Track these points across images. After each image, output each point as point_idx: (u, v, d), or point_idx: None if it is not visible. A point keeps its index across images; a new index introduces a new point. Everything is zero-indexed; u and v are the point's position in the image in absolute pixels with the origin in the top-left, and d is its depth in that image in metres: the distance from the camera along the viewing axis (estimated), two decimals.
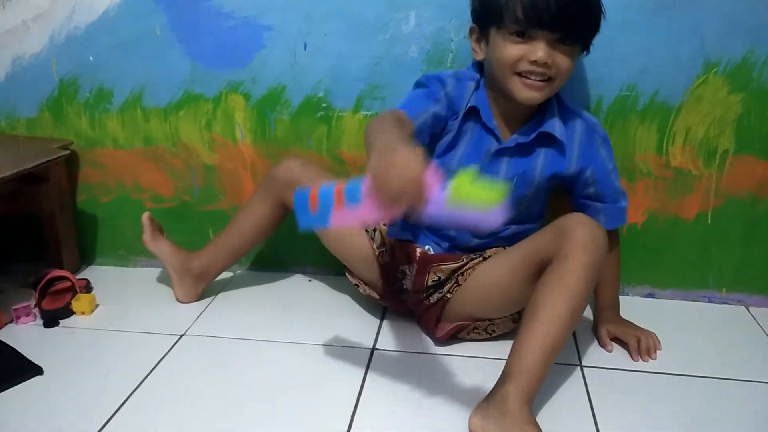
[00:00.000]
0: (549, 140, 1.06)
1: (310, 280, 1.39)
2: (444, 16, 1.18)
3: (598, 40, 1.05)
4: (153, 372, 1.04)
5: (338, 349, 1.11)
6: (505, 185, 0.77)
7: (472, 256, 1.10)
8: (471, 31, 1.06)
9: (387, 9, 1.20)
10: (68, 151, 1.31)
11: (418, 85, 1.09)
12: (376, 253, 1.14)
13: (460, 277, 1.09)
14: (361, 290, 1.20)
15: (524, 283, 1.00)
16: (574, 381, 1.03)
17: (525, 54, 0.97)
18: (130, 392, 0.99)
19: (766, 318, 1.24)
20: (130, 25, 1.28)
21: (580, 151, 1.07)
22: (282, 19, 1.24)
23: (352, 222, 0.97)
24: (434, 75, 1.08)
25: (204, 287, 1.28)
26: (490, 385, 0.92)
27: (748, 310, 1.27)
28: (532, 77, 0.98)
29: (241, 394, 0.99)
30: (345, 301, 1.29)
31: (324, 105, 1.28)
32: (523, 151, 1.06)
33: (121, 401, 0.97)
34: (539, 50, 0.96)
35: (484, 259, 1.09)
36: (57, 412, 0.95)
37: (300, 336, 1.15)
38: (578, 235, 0.92)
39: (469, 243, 1.10)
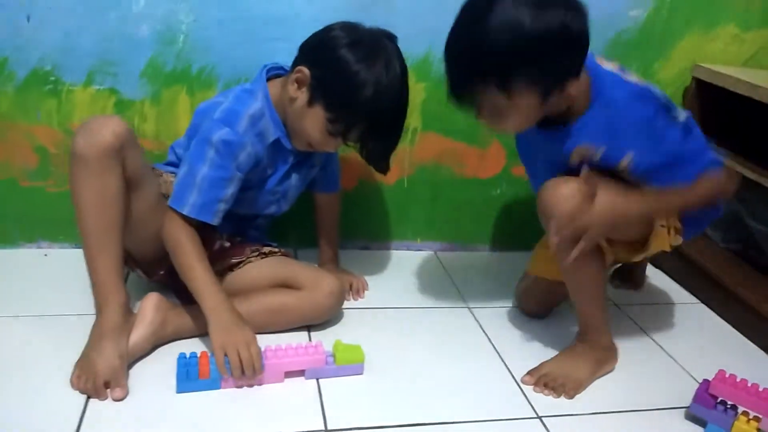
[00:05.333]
0: None
1: (45, 255, 1.38)
2: None
3: (299, 36, 1.23)
4: None
5: (73, 318, 1.15)
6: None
7: (254, 248, 1.24)
8: (298, 71, 1.08)
9: None
10: None
11: (211, 145, 1.06)
12: None
13: (236, 267, 1.21)
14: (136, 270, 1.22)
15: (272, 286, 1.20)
16: None
17: (325, 145, 1.14)
18: None
19: (448, 259, 1.58)
20: None
21: None
22: None
23: (245, 383, 1.03)
24: (229, 143, 1.06)
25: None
26: None
27: (435, 254, 1.61)
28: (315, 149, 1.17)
29: None
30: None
31: (52, 78, 1.28)
32: (309, 157, 1.24)
33: None
34: (334, 148, 1.16)
35: (263, 257, 1.23)
36: None
37: (35, 310, 1.17)
38: (325, 300, 1.19)
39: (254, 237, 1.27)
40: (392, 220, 1.57)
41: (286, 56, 1.18)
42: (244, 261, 1.22)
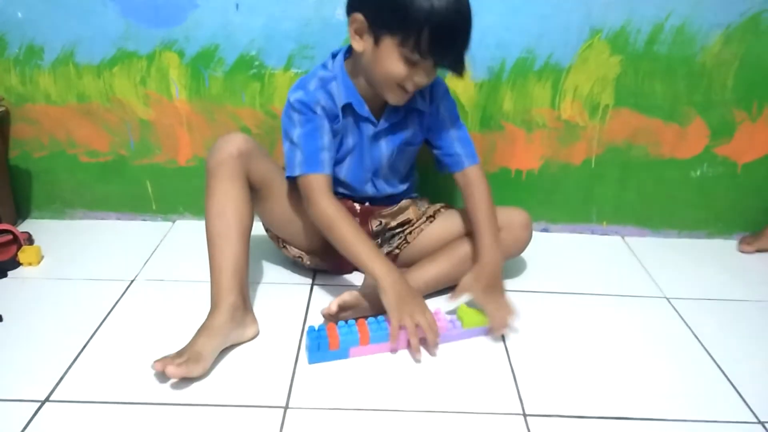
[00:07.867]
0: (416, 111, 1.18)
1: None
2: None
3: (502, 9, 1.22)
4: (110, 315, 1.14)
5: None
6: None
7: (418, 210, 1.28)
8: (353, 21, 1.05)
9: None
10: (3, 108, 1.33)
11: (293, 109, 1.12)
12: None
13: (409, 236, 1.26)
14: (306, 261, 1.27)
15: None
16: None
17: (411, 75, 1.05)
18: (90, 334, 1.08)
19: (637, 245, 1.49)
20: None
21: (432, 110, 1.20)
22: None
23: (373, 352, 1.05)
24: (304, 101, 1.11)
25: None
26: None
27: (623, 239, 1.52)
28: (408, 90, 1.08)
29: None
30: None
31: (256, 63, 1.37)
32: (396, 126, 1.19)
33: (83, 343, 1.05)
34: (424, 76, 1.06)
35: (430, 220, 1.27)
36: (21, 355, 1.02)
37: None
38: (522, 233, 1.24)
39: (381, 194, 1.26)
40: (576, 201, 1.50)
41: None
42: (415, 228, 1.26)
